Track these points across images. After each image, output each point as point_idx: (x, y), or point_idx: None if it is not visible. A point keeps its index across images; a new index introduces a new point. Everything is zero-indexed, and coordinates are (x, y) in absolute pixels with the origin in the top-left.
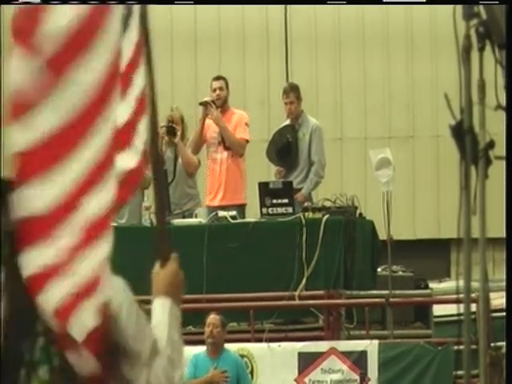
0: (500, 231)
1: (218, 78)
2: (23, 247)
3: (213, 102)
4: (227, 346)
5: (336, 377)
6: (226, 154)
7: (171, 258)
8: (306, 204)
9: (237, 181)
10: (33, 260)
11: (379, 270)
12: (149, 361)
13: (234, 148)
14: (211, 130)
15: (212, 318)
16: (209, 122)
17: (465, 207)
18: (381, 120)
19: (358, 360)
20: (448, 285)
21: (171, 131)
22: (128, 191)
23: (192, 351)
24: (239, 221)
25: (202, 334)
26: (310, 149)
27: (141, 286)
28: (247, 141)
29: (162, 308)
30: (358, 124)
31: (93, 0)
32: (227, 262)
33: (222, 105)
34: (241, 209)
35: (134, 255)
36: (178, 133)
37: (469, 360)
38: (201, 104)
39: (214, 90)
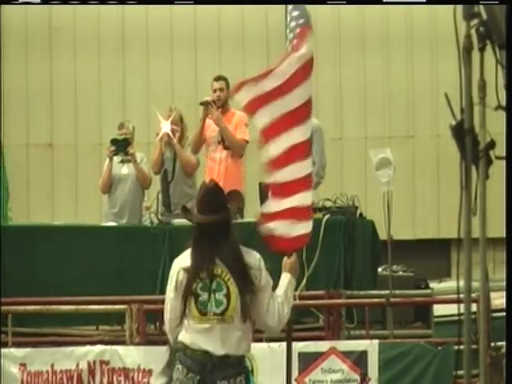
0: (500, 231)
1: (218, 79)
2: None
3: (213, 101)
4: None
5: (336, 377)
6: (225, 153)
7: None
8: None
9: (236, 180)
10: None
11: (379, 269)
12: (272, 297)
13: (234, 148)
14: (211, 129)
15: None
16: (209, 121)
17: (465, 207)
18: (381, 120)
19: (358, 360)
20: (448, 285)
21: (171, 132)
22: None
23: None
24: (239, 221)
25: None
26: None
27: (141, 286)
28: (247, 141)
29: (285, 277)
30: (357, 124)
31: (93, 0)
32: None
33: (223, 105)
34: (239, 209)
35: (134, 255)
36: (177, 134)
37: (469, 360)
38: (201, 104)
39: (215, 91)
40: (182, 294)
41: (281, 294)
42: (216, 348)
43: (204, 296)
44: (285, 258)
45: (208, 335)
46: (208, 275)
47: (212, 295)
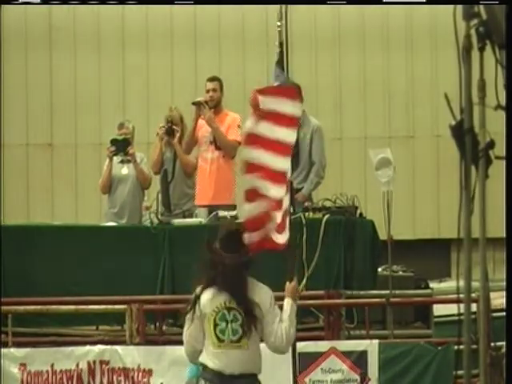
0: (500, 231)
1: (212, 80)
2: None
3: (206, 102)
4: None
5: (336, 377)
6: (217, 153)
7: (294, 278)
8: (306, 204)
9: (227, 181)
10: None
11: (379, 270)
12: (279, 322)
13: (226, 149)
14: (203, 129)
15: None
16: (201, 121)
17: (465, 207)
18: (381, 120)
19: (358, 360)
20: (448, 285)
21: (170, 132)
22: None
23: None
24: (239, 221)
25: None
26: (311, 149)
27: (141, 286)
28: (239, 142)
29: (288, 303)
30: (357, 124)
31: (93, 0)
32: None
33: (216, 106)
34: (229, 209)
35: (134, 255)
36: (177, 134)
37: (469, 360)
38: (194, 104)
39: (208, 91)
40: (201, 322)
41: (286, 318)
42: (233, 369)
43: (222, 325)
44: (287, 283)
45: (226, 358)
46: (226, 308)
47: (229, 325)
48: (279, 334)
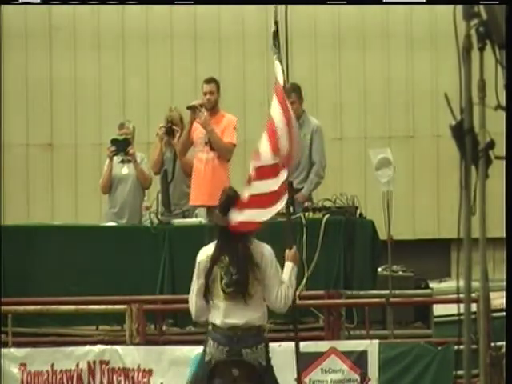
0: (500, 231)
1: (209, 82)
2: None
3: (200, 105)
4: None
5: (336, 377)
6: (212, 154)
7: (293, 246)
8: (306, 204)
9: (222, 181)
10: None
11: (379, 270)
12: (279, 283)
13: (221, 152)
14: (198, 130)
15: None
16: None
17: (465, 207)
18: (381, 120)
19: (358, 360)
20: (448, 285)
21: (170, 132)
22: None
23: (193, 351)
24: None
25: (202, 334)
26: (311, 149)
27: (141, 286)
28: (234, 145)
29: (288, 266)
30: (357, 124)
31: (93, 0)
32: None
33: (212, 108)
34: None
35: (134, 255)
36: (177, 134)
37: (469, 360)
38: (188, 108)
39: (205, 94)
40: (205, 276)
41: (286, 280)
42: (239, 321)
43: (226, 279)
44: (287, 251)
45: (232, 312)
46: (228, 262)
47: (234, 277)
48: (279, 295)
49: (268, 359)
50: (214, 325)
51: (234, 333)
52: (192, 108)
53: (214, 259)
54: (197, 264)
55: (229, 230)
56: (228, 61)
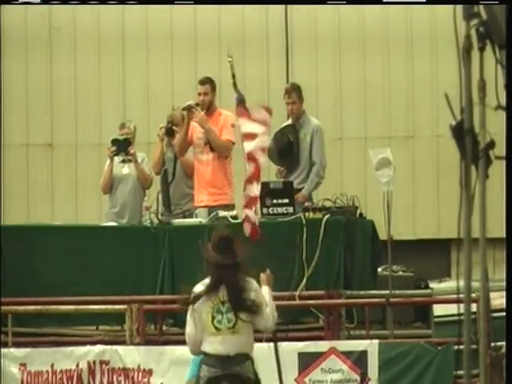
0: (500, 231)
1: (203, 83)
2: None
3: (196, 104)
4: None
5: (336, 377)
6: (211, 155)
7: (266, 269)
8: (306, 204)
9: (223, 181)
10: None
11: (379, 270)
12: (264, 307)
13: (220, 150)
14: (197, 131)
15: None
16: (195, 123)
17: (465, 207)
18: (381, 120)
19: (358, 360)
20: (448, 285)
21: (170, 132)
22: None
23: None
24: (240, 221)
25: None
26: (311, 149)
27: (141, 286)
28: (233, 142)
29: (266, 290)
30: (357, 124)
31: (93, 0)
32: None
33: (208, 108)
34: (227, 209)
35: (134, 255)
36: (177, 134)
37: (469, 360)
38: (184, 109)
39: (199, 95)
40: (199, 317)
41: (269, 303)
42: (230, 351)
43: (218, 317)
44: (261, 275)
45: (223, 343)
46: (221, 302)
47: (224, 315)
48: (267, 317)
49: (255, 373)
50: (206, 354)
51: (226, 357)
52: (188, 108)
53: (210, 295)
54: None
55: (223, 267)
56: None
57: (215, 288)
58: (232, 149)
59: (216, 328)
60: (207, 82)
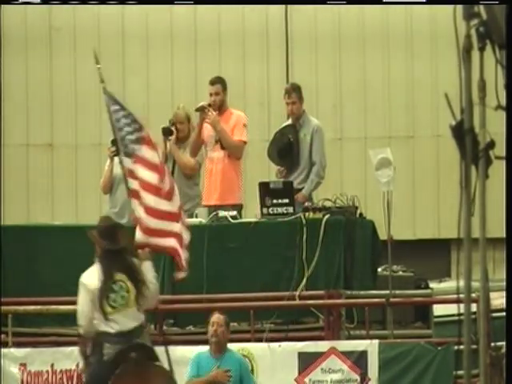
0: (500, 231)
1: (213, 83)
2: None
3: (209, 105)
4: (228, 345)
5: (336, 377)
6: (222, 153)
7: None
8: (306, 204)
9: (232, 181)
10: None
11: (379, 270)
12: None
13: (232, 151)
14: (209, 128)
15: (216, 316)
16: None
17: (465, 207)
18: (381, 120)
19: (358, 360)
20: (448, 285)
21: (167, 132)
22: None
23: (193, 351)
24: (239, 221)
25: (202, 334)
26: (311, 149)
27: None
28: (245, 142)
29: (146, 265)
30: (357, 124)
31: (93, 0)
32: (227, 261)
33: (219, 108)
34: (236, 209)
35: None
36: (174, 135)
37: (469, 360)
38: (197, 110)
39: (211, 95)
40: (93, 298)
41: (151, 279)
42: (127, 326)
43: (112, 296)
44: (139, 251)
45: (120, 320)
46: (112, 281)
47: (118, 294)
48: (153, 294)
49: (151, 341)
50: (106, 332)
51: (126, 332)
52: (201, 109)
53: (107, 278)
54: (83, 285)
55: (115, 250)
56: (228, 61)
57: (108, 270)
58: (244, 149)
59: (112, 307)
60: (218, 81)
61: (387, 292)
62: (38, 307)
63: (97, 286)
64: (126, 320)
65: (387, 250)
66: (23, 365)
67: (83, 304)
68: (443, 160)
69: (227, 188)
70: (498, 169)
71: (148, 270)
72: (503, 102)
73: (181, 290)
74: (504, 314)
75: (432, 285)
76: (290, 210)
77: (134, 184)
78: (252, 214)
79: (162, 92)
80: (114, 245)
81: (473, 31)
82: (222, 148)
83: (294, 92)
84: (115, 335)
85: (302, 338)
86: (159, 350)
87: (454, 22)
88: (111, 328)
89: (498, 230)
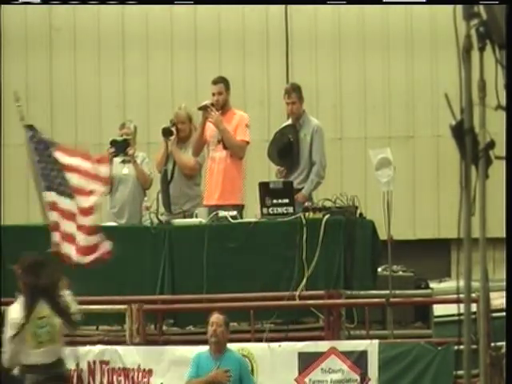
0: (500, 231)
1: (216, 82)
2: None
3: (212, 104)
4: (228, 345)
5: (336, 377)
6: (224, 153)
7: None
8: (306, 204)
9: (234, 181)
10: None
11: (379, 270)
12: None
13: (234, 150)
14: (211, 128)
15: (216, 317)
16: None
17: (465, 207)
18: (381, 120)
19: (358, 360)
20: (448, 285)
21: (167, 133)
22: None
23: (193, 351)
24: (239, 221)
25: (202, 334)
26: (311, 149)
27: (141, 286)
28: (247, 142)
29: (70, 295)
30: (357, 124)
31: (93, 0)
32: (227, 261)
33: (222, 107)
34: (238, 209)
35: (134, 255)
36: (174, 135)
37: (469, 360)
38: (200, 109)
39: (213, 95)
40: (18, 333)
41: (75, 310)
42: (50, 359)
43: (38, 331)
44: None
45: (44, 354)
46: (38, 317)
47: (44, 329)
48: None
49: (67, 368)
50: (30, 365)
51: (48, 365)
52: (203, 108)
53: (30, 314)
54: (9, 321)
55: (40, 287)
56: (228, 61)
57: (32, 306)
58: (246, 149)
59: (37, 341)
60: (220, 81)
61: (387, 292)
62: None
63: (22, 321)
64: (50, 354)
65: (387, 250)
66: None
67: (8, 339)
68: (443, 160)
69: (229, 188)
70: (498, 169)
71: (71, 301)
72: (503, 102)
73: (181, 289)
74: (504, 313)
75: (432, 285)
76: (290, 210)
77: (53, 216)
78: (252, 213)
79: (162, 92)
80: (38, 281)
81: (473, 31)
82: (225, 148)
83: (294, 92)
84: (38, 367)
85: (302, 338)
86: (159, 350)
87: (454, 22)
88: (35, 361)
89: (498, 230)
